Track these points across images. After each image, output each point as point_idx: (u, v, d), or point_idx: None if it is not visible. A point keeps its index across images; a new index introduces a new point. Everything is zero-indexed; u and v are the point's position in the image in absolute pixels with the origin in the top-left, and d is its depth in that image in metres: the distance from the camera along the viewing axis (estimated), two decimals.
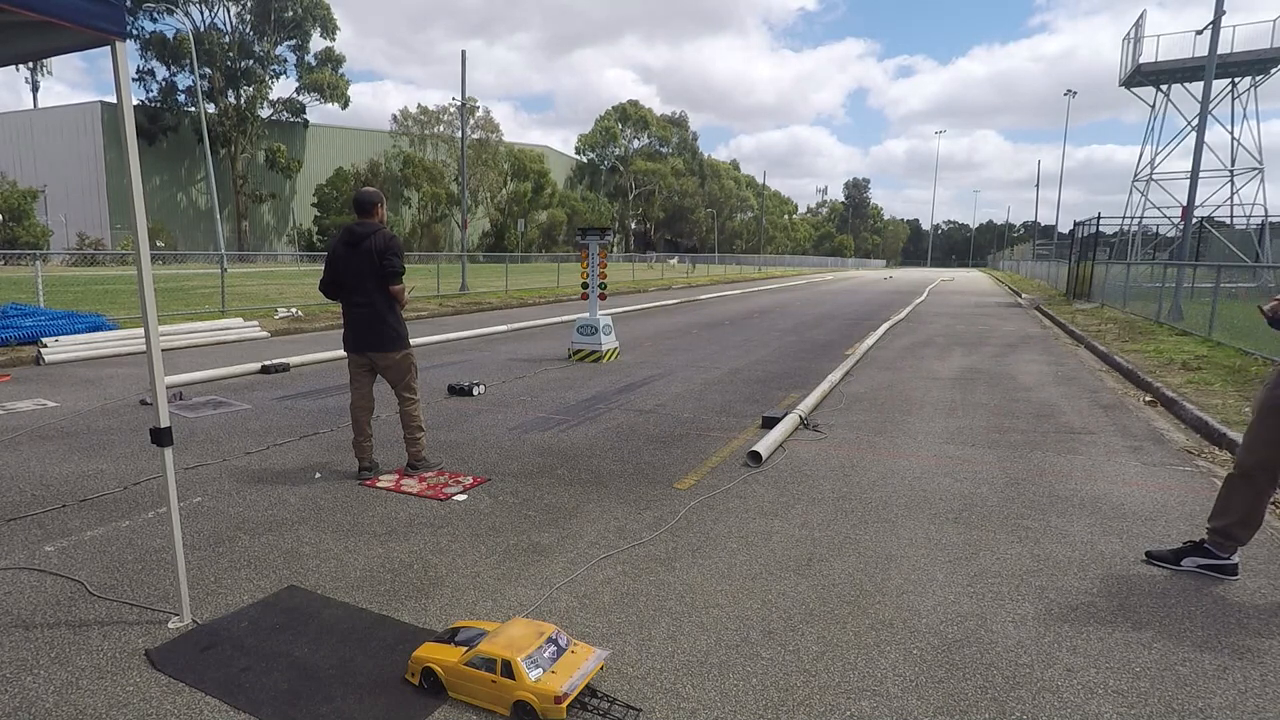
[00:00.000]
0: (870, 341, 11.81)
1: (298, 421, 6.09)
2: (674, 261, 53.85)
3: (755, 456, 5.06)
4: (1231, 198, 25.69)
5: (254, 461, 4.97)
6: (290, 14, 52.48)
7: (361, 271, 4.43)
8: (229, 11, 51.81)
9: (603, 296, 9.99)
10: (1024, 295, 26.31)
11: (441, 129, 61.19)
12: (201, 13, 50.86)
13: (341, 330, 4.68)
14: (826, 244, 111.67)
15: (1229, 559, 3.36)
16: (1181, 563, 3.42)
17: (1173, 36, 43.77)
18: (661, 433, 5.91)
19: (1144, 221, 27.21)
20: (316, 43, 54.72)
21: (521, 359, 9.77)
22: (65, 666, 2.53)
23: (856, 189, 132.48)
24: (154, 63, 49.34)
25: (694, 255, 63.37)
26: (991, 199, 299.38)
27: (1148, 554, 3.54)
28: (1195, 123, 16.52)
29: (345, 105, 56.41)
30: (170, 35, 48.35)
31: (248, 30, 52.52)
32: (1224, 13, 14.30)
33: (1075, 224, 23.73)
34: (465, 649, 2.40)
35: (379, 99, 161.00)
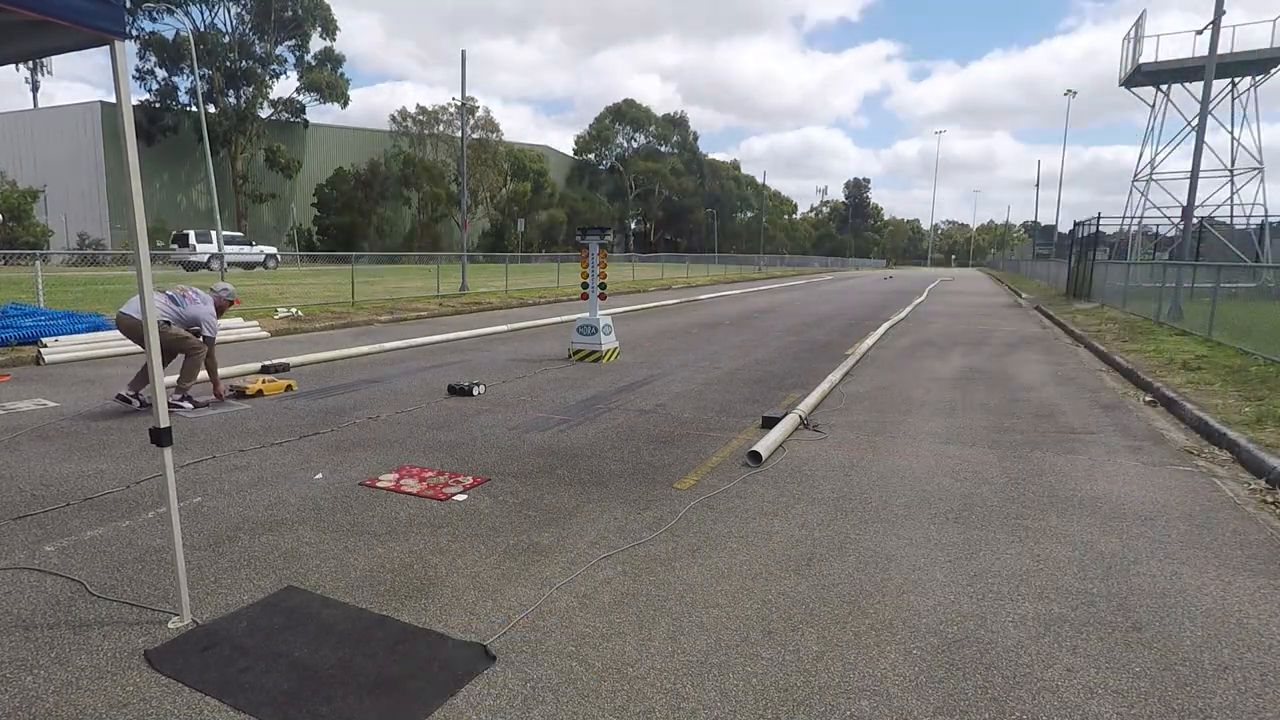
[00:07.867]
0: (870, 341, 11.81)
1: (298, 421, 6.09)
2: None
3: (755, 456, 5.06)
4: (1231, 198, 25.69)
5: (254, 461, 4.97)
6: (290, 14, 52.47)
7: None
8: (229, 11, 51.81)
9: (603, 296, 9.99)
10: (1024, 295, 26.31)
11: (441, 129, 61.15)
12: (202, 13, 50.85)
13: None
14: (827, 243, 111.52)
15: None
16: None
17: (1173, 36, 43.89)
18: (661, 433, 5.91)
19: (1144, 221, 27.23)
20: (316, 42, 54.75)
21: (521, 359, 9.76)
22: (65, 666, 2.53)
23: (857, 189, 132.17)
24: (154, 63, 49.32)
25: (694, 255, 63.32)
26: (1000, 199, 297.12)
27: None
28: (1195, 123, 16.53)
29: (345, 105, 56.38)
30: (170, 35, 48.38)
31: (248, 30, 52.49)
32: (1224, 13, 14.31)
33: (1075, 224, 23.74)
34: None
35: (397, 100, 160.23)
